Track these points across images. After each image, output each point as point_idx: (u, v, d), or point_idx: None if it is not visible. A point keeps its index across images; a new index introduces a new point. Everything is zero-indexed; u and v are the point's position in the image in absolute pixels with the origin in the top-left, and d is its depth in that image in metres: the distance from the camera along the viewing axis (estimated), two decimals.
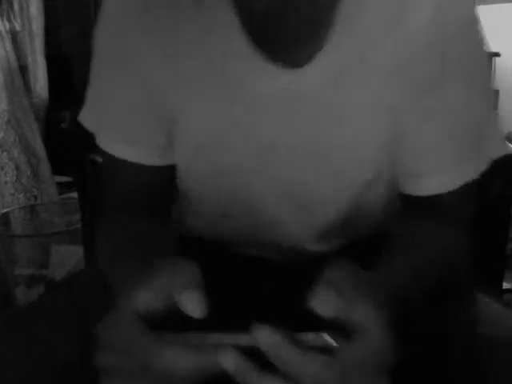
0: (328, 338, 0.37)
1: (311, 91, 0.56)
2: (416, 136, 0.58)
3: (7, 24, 1.99)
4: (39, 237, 1.75)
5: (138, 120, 0.61)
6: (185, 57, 0.57)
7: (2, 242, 1.70)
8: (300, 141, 0.59)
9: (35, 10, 2.10)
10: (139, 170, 0.62)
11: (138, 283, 0.41)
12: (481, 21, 0.58)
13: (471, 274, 0.65)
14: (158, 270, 0.41)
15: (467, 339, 0.54)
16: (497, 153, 0.60)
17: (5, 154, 1.92)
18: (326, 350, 0.37)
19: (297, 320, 0.38)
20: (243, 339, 0.37)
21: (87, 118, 0.64)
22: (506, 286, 1.03)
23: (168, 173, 0.64)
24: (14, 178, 1.94)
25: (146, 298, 0.40)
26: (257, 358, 0.36)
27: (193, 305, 0.38)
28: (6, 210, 1.84)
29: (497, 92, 2.77)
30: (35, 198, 1.97)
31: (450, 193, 0.59)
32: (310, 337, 0.37)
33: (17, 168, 1.94)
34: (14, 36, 2.03)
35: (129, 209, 0.63)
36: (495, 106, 2.67)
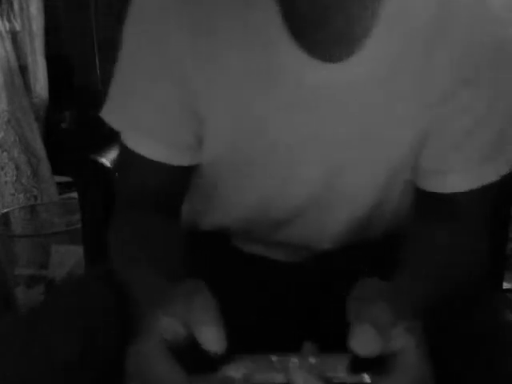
0: (367, 379, 0.36)
1: (351, 85, 0.56)
2: (444, 133, 0.59)
3: (7, 24, 1.99)
4: (39, 237, 1.75)
5: (169, 119, 0.60)
6: (223, 54, 0.57)
7: (2, 242, 1.70)
8: (335, 135, 0.59)
9: (35, 9, 2.10)
10: (166, 169, 0.61)
11: (158, 309, 0.40)
12: None
13: (489, 276, 0.65)
14: (176, 299, 0.41)
15: (477, 341, 0.53)
16: None
17: (5, 154, 1.91)
18: None
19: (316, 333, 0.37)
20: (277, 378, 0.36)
21: (112, 114, 0.63)
22: (506, 286, 1.03)
23: (190, 172, 0.64)
24: (14, 178, 1.93)
25: (168, 327, 0.39)
26: None
27: (212, 341, 0.37)
28: (5, 210, 1.84)
29: None
30: (35, 198, 1.97)
31: (470, 192, 0.60)
32: (349, 378, 0.36)
33: (17, 168, 1.94)
34: (14, 36, 2.03)
35: (149, 207, 0.62)
36: None
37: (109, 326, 0.54)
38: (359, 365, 0.37)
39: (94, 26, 2.70)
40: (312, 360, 0.37)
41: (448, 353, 0.52)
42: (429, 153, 0.61)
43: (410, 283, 0.48)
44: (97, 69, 2.77)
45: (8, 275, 1.65)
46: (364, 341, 0.36)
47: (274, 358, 0.38)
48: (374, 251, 0.68)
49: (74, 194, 1.89)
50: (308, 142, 0.60)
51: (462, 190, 0.60)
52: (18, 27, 2.03)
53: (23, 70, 2.06)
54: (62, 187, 2.14)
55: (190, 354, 0.38)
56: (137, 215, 0.62)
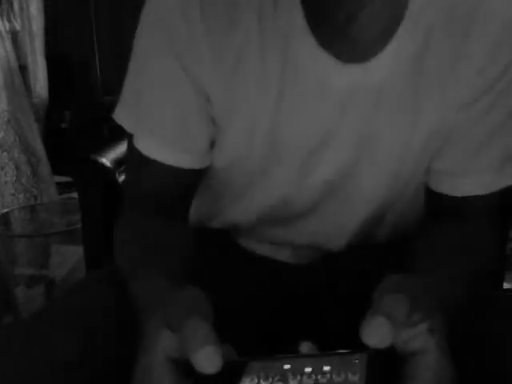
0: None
1: (376, 86, 0.56)
2: (463, 137, 0.59)
3: (7, 24, 1.99)
4: (39, 237, 1.75)
5: (183, 124, 0.59)
6: (242, 59, 0.56)
7: (2, 242, 1.70)
8: (354, 136, 0.59)
9: (35, 9, 2.10)
10: (176, 172, 0.61)
11: (159, 322, 0.40)
12: None
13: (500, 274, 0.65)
14: (171, 312, 0.40)
15: (477, 341, 0.53)
16: None
17: (5, 154, 1.92)
18: None
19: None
20: None
21: (124, 116, 0.62)
22: (506, 286, 1.03)
23: (201, 174, 0.64)
24: (14, 178, 1.94)
25: (169, 341, 0.39)
26: None
27: (204, 365, 0.36)
28: (5, 210, 1.84)
29: None
30: (35, 198, 1.97)
31: (485, 196, 0.60)
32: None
33: (17, 168, 1.94)
34: (14, 36, 2.03)
35: (156, 209, 0.62)
36: None
37: (109, 326, 0.54)
38: (377, 363, 0.35)
39: (94, 26, 2.70)
40: (326, 368, 0.36)
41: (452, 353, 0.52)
42: (446, 156, 0.60)
43: (435, 283, 0.48)
44: (97, 69, 2.77)
45: (8, 275, 1.65)
46: (374, 331, 0.35)
47: (286, 366, 0.37)
48: (381, 252, 0.68)
49: (74, 194, 1.89)
50: (325, 145, 0.59)
51: (477, 194, 0.60)
52: (18, 27, 2.04)
53: (23, 69, 2.06)
54: (62, 187, 2.14)
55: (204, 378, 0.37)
56: (142, 217, 0.61)
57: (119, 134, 0.65)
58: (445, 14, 0.54)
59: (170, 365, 0.38)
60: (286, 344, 0.40)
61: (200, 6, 0.55)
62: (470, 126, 0.58)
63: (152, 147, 0.61)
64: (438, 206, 0.63)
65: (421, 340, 0.37)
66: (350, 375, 0.34)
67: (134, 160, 0.63)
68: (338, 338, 0.43)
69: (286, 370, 0.36)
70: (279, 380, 0.36)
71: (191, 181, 0.64)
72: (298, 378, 0.35)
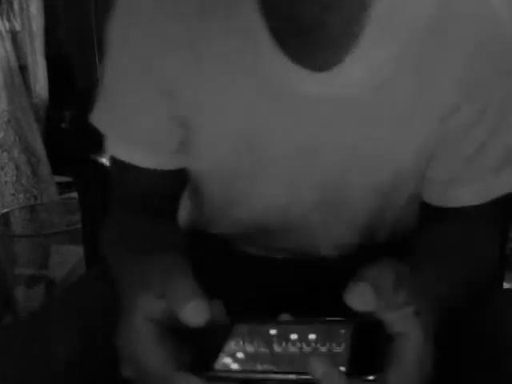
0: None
1: (340, 94, 0.55)
2: (454, 146, 0.57)
3: (7, 24, 1.99)
4: (39, 237, 1.75)
5: (151, 124, 0.60)
6: (208, 65, 0.56)
7: (2, 242, 1.70)
8: (328, 143, 0.58)
9: (35, 9, 2.10)
10: (153, 174, 0.61)
11: (139, 287, 0.41)
12: None
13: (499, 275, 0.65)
14: (154, 275, 0.41)
15: (477, 341, 0.53)
16: None
17: (5, 154, 1.91)
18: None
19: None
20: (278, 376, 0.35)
21: (99, 119, 0.63)
22: (506, 286, 1.03)
23: (182, 174, 0.64)
24: (14, 178, 1.93)
25: (152, 304, 0.39)
26: None
27: (191, 316, 0.37)
28: (5, 210, 1.84)
29: None
30: (35, 198, 1.97)
31: (481, 205, 0.59)
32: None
33: (17, 168, 1.94)
34: (14, 36, 2.03)
35: (140, 210, 0.62)
36: None
37: (109, 326, 0.54)
38: (362, 336, 0.36)
39: (94, 26, 2.70)
40: (312, 336, 0.36)
41: (451, 352, 0.52)
42: (437, 165, 0.59)
43: (427, 277, 0.48)
44: (97, 69, 2.77)
45: (8, 275, 1.65)
46: (357, 296, 0.36)
47: (272, 332, 0.37)
48: (379, 254, 0.68)
49: (74, 194, 1.89)
50: (302, 152, 0.59)
51: (472, 204, 0.59)
52: (18, 27, 2.03)
53: (23, 69, 2.06)
54: (62, 187, 2.14)
55: (184, 332, 0.38)
56: (129, 216, 0.62)
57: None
58: (413, 19, 0.53)
59: (151, 325, 0.38)
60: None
61: (165, 20, 0.55)
62: (458, 137, 0.57)
63: (123, 150, 0.62)
64: (432, 213, 0.62)
65: (406, 322, 0.37)
66: (334, 346, 0.35)
67: (113, 164, 0.64)
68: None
69: (272, 335, 0.37)
70: (264, 345, 0.36)
71: (171, 182, 0.64)
72: (283, 344, 0.36)
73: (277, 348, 0.36)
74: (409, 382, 0.36)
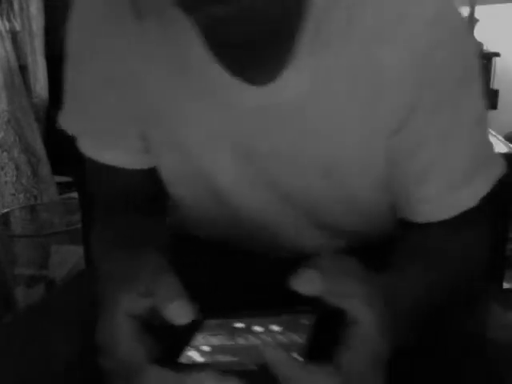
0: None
1: (276, 107, 0.55)
2: (408, 162, 0.56)
3: (7, 24, 1.99)
4: (39, 237, 1.75)
5: (114, 123, 0.61)
6: (151, 78, 0.57)
7: (1, 242, 1.70)
8: (270, 152, 0.58)
9: (35, 9, 2.10)
10: (121, 172, 0.62)
11: (123, 284, 0.42)
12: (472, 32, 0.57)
13: (485, 278, 0.64)
14: (140, 275, 0.42)
15: (477, 341, 0.53)
16: (497, 173, 0.59)
17: (5, 154, 1.91)
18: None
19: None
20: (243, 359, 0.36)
21: (67, 122, 0.64)
22: (506, 286, 1.03)
23: (152, 174, 0.64)
24: (14, 178, 1.93)
25: (132, 302, 0.40)
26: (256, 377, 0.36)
27: (176, 315, 0.39)
28: (5, 210, 1.84)
29: (496, 92, 2.78)
30: (35, 198, 1.97)
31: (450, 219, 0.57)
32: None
33: (17, 168, 1.94)
34: (14, 36, 2.03)
35: (116, 209, 0.63)
36: (495, 106, 2.63)
37: None
38: (323, 326, 0.38)
39: None
40: (275, 328, 0.38)
41: (446, 353, 0.52)
42: (398, 181, 0.58)
43: (394, 277, 0.48)
44: None
45: (8, 275, 1.65)
46: (304, 279, 0.38)
47: (237, 325, 0.39)
48: (372, 256, 0.68)
49: (74, 194, 1.89)
50: (248, 159, 0.59)
51: (439, 220, 0.57)
52: (17, 27, 2.03)
53: (23, 69, 2.06)
54: (62, 187, 2.14)
55: (157, 326, 0.40)
56: (107, 216, 0.63)
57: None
58: (348, 31, 0.51)
59: (131, 321, 0.40)
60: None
61: (110, 31, 0.56)
62: (409, 153, 0.55)
63: (94, 149, 0.63)
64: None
65: (358, 310, 0.38)
66: (295, 337, 0.37)
67: (87, 164, 0.65)
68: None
69: (236, 328, 0.39)
70: (228, 338, 0.38)
71: (147, 181, 0.64)
72: (247, 336, 0.38)
73: (240, 340, 0.38)
74: (359, 367, 0.37)
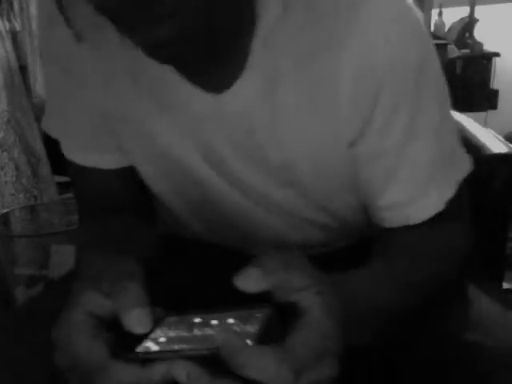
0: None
1: (231, 114, 0.55)
2: (370, 169, 0.56)
3: (7, 24, 2.00)
4: (39, 237, 1.75)
5: (88, 125, 0.62)
6: (117, 85, 0.58)
7: (1, 242, 1.70)
8: (236, 156, 0.58)
9: (35, 9, 2.10)
10: (100, 173, 0.63)
11: (87, 283, 0.42)
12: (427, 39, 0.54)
13: (465, 277, 0.64)
14: (105, 276, 0.42)
15: (457, 342, 0.53)
16: (463, 173, 0.58)
17: (5, 154, 1.92)
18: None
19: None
20: (193, 347, 0.37)
21: (48, 124, 0.66)
22: (505, 285, 1.03)
23: (133, 172, 0.65)
24: (14, 178, 1.94)
25: (96, 300, 0.40)
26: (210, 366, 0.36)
27: (134, 324, 0.39)
28: (5, 210, 1.84)
29: (496, 92, 2.78)
30: (35, 198, 1.97)
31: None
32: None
33: (17, 168, 1.94)
34: (14, 36, 2.03)
35: (98, 210, 0.64)
36: (495, 106, 2.64)
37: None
38: (276, 318, 0.38)
39: None
40: (231, 320, 0.38)
41: (446, 353, 0.52)
42: (362, 189, 0.59)
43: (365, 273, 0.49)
44: None
45: (8, 275, 1.65)
46: (245, 277, 0.39)
47: (196, 320, 0.39)
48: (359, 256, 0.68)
49: None
50: (210, 163, 0.60)
51: (404, 225, 0.57)
52: (17, 27, 2.04)
53: (23, 70, 2.06)
54: (62, 187, 2.14)
55: (117, 326, 0.40)
56: (91, 217, 0.64)
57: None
58: (297, 42, 0.51)
59: (89, 320, 0.40)
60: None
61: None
62: (370, 162, 0.56)
63: (74, 152, 0.64)
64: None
65: (307, 300, 0.39)
66: (249, 327, 0.37)
67: (71, 164, 0.66)
68: None
69: (195, 322, 0.39)
70: (186, 330, 0.38)
71: (126, 181, 0.65)
72: (203, 328, 0.38)
73: (196, 332, 0.38)
74: (309, 352, 0.37)
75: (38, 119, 2.11)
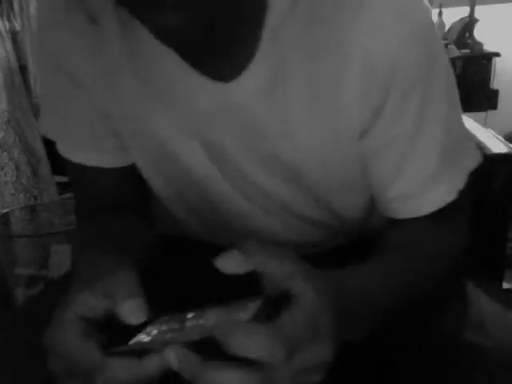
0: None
1: (238, 105, 0.55)
2: (379, 160, 0.56)
3: (7, 24, 1.99)
4: (39, 237, 1.75)
5: (86, 125, 0.62)
6: (118, 80, 0.57)
7: (1, 242, 1.70)
8: (241, 149, 0.58)
9: (35, 10, 2.10)
10: (98, 172, 0.63)
11: (81, 284, 0.42)
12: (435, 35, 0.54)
13: (463, 275, 0.64)
14: (98, 274, 0.42)
15: (456, 342, 0.53)
16: (473, 164, 0.58)
17: (5, 154, 1.92)
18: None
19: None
20: (184, 335, 0.37)
21: (44, 126, 0.65)
22: (506, 285, 1.03)
23: (131, 172, 0.65)
24: (14, 178, 1.94)
25: (86, 301, 0.40)
26: (204, 352, 0.36)
27: (129, 314, 0.39)
28: (5, 210, 1.84)
29: (496, 92, 2.78)
30: (35, 198, 1.97)
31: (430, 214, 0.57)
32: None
33: (17, 168, 1.94)
34: (14, 36, 2.03)
35: (97, 210, 0.64)
36: (495, 106, 2.65)
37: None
38: (265, 308, 0.38)
39: None
40: (223, 311, 0.39)
41: (446, 353, 0.52)
42: (370, 181, 0.59)
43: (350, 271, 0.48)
44: None
45: (8, 275, 1.65)
46: (225, 259, 0.39)
47: (189, 315, 0.39)
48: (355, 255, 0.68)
49: None
50: (214, 160, 0.59)
51: (413, 217, 0.58)
52: (17, 27, 2.03)
53: (23, 70, 2.06)
54: (62, 187, 2.14)
55: (111, 327, 0.40)
56: (88, 216, 0.64)
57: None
58: (306, 33, 0.51)
59: (82, 324, 0.40)
60: None
61: (65, 11, 0.56)
62: (379, 153, 0.56)
63: (72, 151, 0.64)
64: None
65: (297, 285, 0.39)
66: (241, 314, 0.37)
67: (67, 167, 0.66)
68: None
69: (188, 317, 0.39)
70: (178, 324, 0.39)
71: (124, 180, 0.65)
72: (194, 321, 0.38)
73: (188, 323, 0.38)
74: (301, 332, 0.37)
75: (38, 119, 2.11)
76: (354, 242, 0.70)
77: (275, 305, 0.39)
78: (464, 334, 0.54)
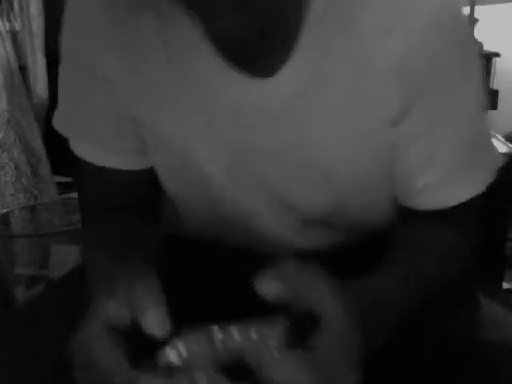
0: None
1: (276, 102, 0.55)
2: (406, 154, 0.57)
3: (7, 24, 1.99)
4: (39, 237, 1.75)
5: (109, 126, 0.60)
6: (151, 72, 0.56)
7: (1, 242, 1.70)
8: (270, 149, 0.58)
9: (35, 10, 2.10)
10: (116, 174, 0.62)
11: (105, 292, 0.41)
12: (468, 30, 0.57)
13: (473, 278, 0.64)
14: (121, 283, 0.41)
15: (467, 342, 0.53)
16: (499, 160, 0.59)
17: (5, 154, 1.92)
18: None
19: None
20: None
21: (59, 122, 0.64)
22: (506, 286, 1.03)
23: (149, 173, 0.64)
24: (14, 178, 1.94)
25: (113, 311, 0.40)
26: (234, 372, 0.36)
27: (154, 326, 0.38)
28: (5, 210, 1.84)
29: (496, 92, 2.78)
30: (35, 198, 1.97)
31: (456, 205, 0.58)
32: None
33: (17, 168, 1.94)
34: (14, 36, 2.03)
35: (108, 211, 0.63)
36: (495, 106, 2.63)
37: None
38: (294, 330, 0.38)
39: None
40: (254, 335, 0.38)
41: (445, 354, 0.52)
42: (398, 170, 0.58)
43: (372, 279, 0.48)
44: None
45: (8, 275, 1.65)
46: (264, 282, 0.38)
47: (218, 336, 0.38)
48: (362, 255, 0.68)
49: (74, 194, 1.89)
50: (245, 158, 0.59)
51: (444, 206, 0.58)
52: (17, 27, 2.04)
53: (23, 69, 2.06)
54: (62, 187, 2.14)
55: (136, 337, 0.39)
56: (98, 218, 0.63)
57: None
58: (347, 27, 0.52)
59: (108, 336, 0.39)
60: None
61: (107, 27, 0.55)
62: (407, 143, 0.56)
63: (87, 151, 0.62)
64: (406, 215, 0.61)
65: (324, 306, 0.38)
66: (269, 335, 0.37)
67: (79, 167, 0.64)
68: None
69: (214, 332, 0.38)
70: (205, 340, 0.38)
71: (140, 181, 0.64)
72: (223, 338, 0.38)
73: (217, 344, 0.37)
74: (331, 355, 0.37)
75: (38, 119, 2.11)
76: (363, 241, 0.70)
77: (300, 323, 0.38)
78: (464, 335, 0.54)
